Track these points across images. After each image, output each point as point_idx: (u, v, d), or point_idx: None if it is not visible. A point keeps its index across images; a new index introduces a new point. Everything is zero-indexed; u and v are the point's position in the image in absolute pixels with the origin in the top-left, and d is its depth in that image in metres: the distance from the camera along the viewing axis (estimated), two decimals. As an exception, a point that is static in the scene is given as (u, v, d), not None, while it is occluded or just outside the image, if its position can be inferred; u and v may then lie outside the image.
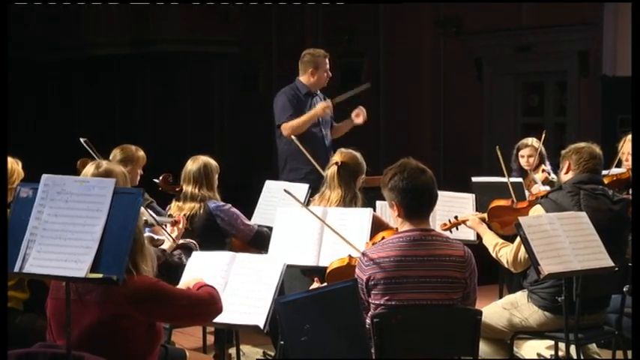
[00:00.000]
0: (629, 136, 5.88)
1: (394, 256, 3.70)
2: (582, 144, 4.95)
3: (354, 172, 5.01)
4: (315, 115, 6.75)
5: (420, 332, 3.74)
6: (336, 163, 4.98)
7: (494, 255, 4.85)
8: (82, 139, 5.48)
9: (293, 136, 6.44)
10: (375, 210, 5.08)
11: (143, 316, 3.32)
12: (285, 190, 4.59)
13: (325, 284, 4.17)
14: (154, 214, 4.99)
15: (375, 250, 3.77)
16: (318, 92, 7.04)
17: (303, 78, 6.93)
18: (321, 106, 6.77)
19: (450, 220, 5.28)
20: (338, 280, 4.02)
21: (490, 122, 12.65)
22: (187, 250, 4.68)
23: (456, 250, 3.76)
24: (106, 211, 3.10)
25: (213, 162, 5.48)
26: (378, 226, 4.67)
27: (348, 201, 4.93)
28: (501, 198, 5.54)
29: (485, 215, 5.33)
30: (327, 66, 6.95)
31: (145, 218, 4.82)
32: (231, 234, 5.40)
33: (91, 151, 5.44)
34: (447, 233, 5.10)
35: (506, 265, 4.79)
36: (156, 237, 4.78)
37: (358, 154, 5.11)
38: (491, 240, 4.91)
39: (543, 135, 6.92)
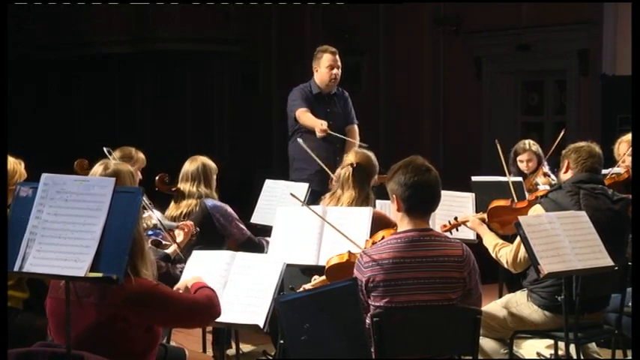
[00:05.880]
0: (624, 137, 5.88)
1: (393, 258, 3.68)
2: (582, 143, 4.94)
3: (368, 173, 4.92)
4: (314, 127, 6.61)
5: (420, 331, 3.73)
6: (351, 165, 4.87)
7: (494, 256, 4.84)
8: (105, 149, 5.33)
9: (299, 139, 6.35)
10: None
11: (140, 319, 3.31)
12: (291, 194, 4.57)
13: (324, 278, 4.17)
14: (161, 218, 4.96)
15: (373, 252, 3.75)
16: (338, 92, 6.96)
17: (314, 77, 6.91)
18: (319, 126, 6.57)
19: (450, 222, 5.25)
20: (337, 275, 4.01)
21: (490, 121, 12.65)
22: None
23: (454, 249, 3.75)
24: (106, 210, 3.09)
25: (211, 163, 5.46)
26: (379, 222, 4.64)
27: (360, 203, 4.82)
28: (501, 197, 5.53)
29: (484, 215, 5.32)
30: (330, 62, 6.80)
31: (153, 222, 4.80)
32: (224, 234, 5.38)
33: (111, 160, 5.30)
34: (447, 234, 5.09)
35: (505, 266, 4.79)
36: (163, 241, 4.77)
37: (372, 154, 5.01)
38: (491, 240, 4.90)
39: (562, 132, 6.54)
